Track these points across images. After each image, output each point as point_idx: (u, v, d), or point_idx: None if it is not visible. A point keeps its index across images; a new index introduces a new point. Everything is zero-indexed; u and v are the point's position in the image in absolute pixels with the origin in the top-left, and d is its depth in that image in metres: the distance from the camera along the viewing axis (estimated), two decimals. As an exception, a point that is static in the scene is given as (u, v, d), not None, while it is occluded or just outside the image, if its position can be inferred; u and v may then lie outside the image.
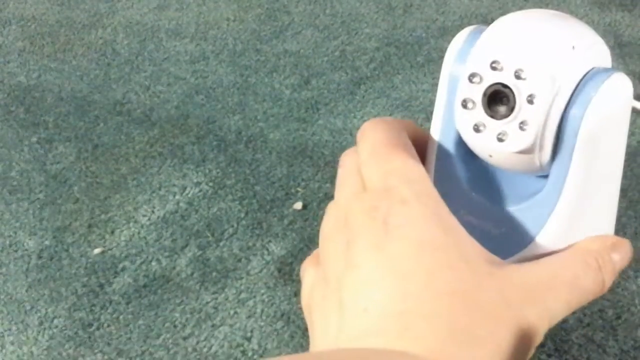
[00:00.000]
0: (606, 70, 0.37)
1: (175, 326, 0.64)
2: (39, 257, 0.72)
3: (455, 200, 0.38)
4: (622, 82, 0.36)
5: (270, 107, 0.89)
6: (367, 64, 0.96)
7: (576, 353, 0.58)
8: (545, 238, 0.37)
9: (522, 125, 0.37)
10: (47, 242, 0.73)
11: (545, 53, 0.37)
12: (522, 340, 0.32)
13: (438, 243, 0.34)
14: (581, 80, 0.36)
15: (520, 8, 1.07)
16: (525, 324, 0.33)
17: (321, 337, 0.37)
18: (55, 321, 0.66)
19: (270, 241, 0.71)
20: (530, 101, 0.37)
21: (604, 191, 0.38)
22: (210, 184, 0.78)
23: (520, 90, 0.37)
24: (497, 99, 0.38)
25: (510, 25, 0.38)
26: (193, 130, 0.87)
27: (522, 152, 0.37)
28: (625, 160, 0.73)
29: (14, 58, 1.03)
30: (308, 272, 0.42)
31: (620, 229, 0.69)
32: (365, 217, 0.36)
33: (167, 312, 0.65)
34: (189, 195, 0.77)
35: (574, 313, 0.62)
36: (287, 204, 0.74)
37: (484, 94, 0.38)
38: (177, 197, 0.77)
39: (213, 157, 0.82)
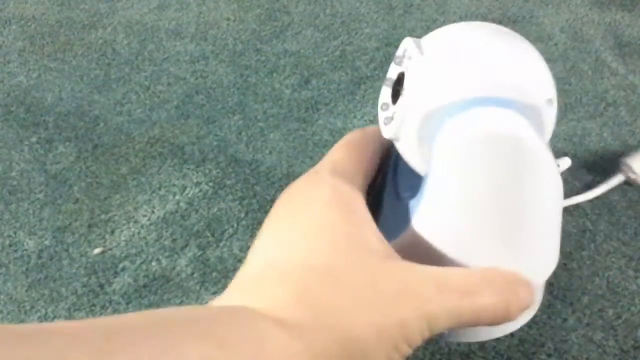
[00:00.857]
0: (487, 100, 0.34)
1: (175, 326, 0.64)
2: (39, 257, 0.72)
3: (389, 184, 0.40)
4: (492, 120, 0.33)
5: (270, 107, 0.89)
6: (367, 64, 0.96)
7: (576, 353, 0.58)
8: (408, 235, 0.37)
9: (393, 115, 0.37)
10: (47, 242, 0.73)
11: (434, 58, 0.36)
12: (386, 333, 0.32)
13: (334, 228, 0.35)
14: (459, 100, 0.35)
15: (520, 8, 1.07)
16: (394, 319, 0.32)
17: None
18: (56, 321, 0.66)
19: (270, 241, 0.71)
20: (402, 94, 0.37)
21: (501, 218, 0.36)
22: (210, 184, 0.78)
23: (404, 82, 0.37)
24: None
25: (445, 27, 0.39)
26: (193, 130, 0.87)
27: (390, 139, 0.38)
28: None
29: (14, 58, 1.03)
30: None
31: (621, 229, 0.69)
32: (287, 195, 0.39)
33: (167, 312, 0.65)
34: (189, 195, 0.77)
35: (573, 312, 0.62)
36: (287, 204, 0.74)
37: (395, 78, 0.39)
38: (177, 197, 0.77)
39: (213, 157, 0.82)
